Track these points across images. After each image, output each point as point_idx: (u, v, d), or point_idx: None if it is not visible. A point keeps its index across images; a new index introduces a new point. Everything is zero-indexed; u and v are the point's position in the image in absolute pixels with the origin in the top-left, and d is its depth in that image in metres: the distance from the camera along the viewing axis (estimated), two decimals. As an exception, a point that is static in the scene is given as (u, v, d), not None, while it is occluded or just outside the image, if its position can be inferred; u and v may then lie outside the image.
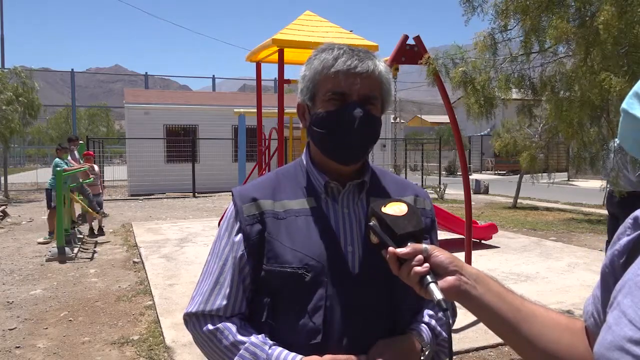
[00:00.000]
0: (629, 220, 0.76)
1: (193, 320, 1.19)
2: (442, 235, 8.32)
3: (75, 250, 8.04)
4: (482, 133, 30.26)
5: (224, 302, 1.16)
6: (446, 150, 31.06)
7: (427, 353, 1.17)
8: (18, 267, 7.24)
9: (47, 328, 4.87)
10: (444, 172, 26.29)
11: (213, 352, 1.16)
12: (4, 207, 12.69)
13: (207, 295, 1.18)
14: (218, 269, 1.19)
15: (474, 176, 22.24)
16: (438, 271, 0.88)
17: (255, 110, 7.75)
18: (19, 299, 5.78)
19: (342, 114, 1.14)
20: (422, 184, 20.37)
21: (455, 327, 4.39)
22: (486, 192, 18.03)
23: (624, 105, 0.75)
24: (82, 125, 37.40)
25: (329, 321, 1.11)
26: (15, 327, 4.89)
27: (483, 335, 4.31)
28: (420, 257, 0.89)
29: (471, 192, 6.24)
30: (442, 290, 0.86)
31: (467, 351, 4.16)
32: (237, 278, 1.17)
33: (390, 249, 0.92)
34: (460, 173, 27.30)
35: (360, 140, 1.16)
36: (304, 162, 1.26)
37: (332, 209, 1.19)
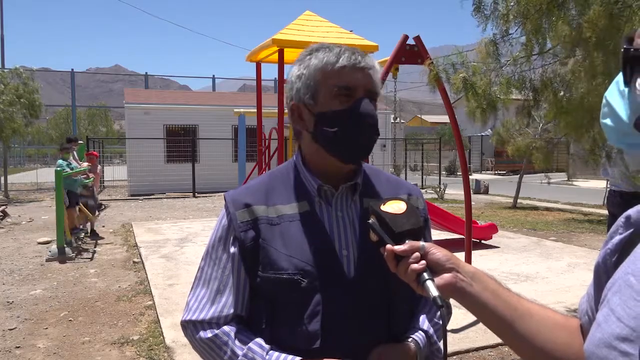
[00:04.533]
0: (621, 219, 0.77)
1: (191, 328, 1.18)
2: (443, 235, 8.33)
3: (75, 250, 8.04)
4: (482, 133, 30.27)
5: (225, 310, 1.16)
6: (446, 150, 31.06)
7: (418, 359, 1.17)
8: (18, 267, 7.24)
9: (47, 328, 4.87)
10: (444, 172, 26.29)
11: (213, 359, 1.16)
12: (4, 207, 12.69)
13: (206, 303, 1.17)
14: (216, 276, 1.18)
15: (474, 176, 22.24)
16: (435, 268, 0.89)
17: (255, 110, 7.75)
18: (19, 299, 5.78)
19: (356, 112, 1.12)
20: (422, 184, 20.37)
21: (455, 327, 4.41)
22: (486, 192, 18.03)
23: (606, 93, 0.78)
24: (82, 125, 37.42)
25: (327, 326, 1.11)
26: (15, 327, 4.89)
27: (483, 335, 4.31)
28: (417, 254, 0.90)
29: (471, 192, 6.24)
30: (439, 287, 0.86)
31: (467, 351, 4.16)
32: (236, 285, 1.16)
33: (388, 246, 0.93)
34: (460, 173, 27.29)
35: (371, 137, 1.16)
36: (296, 165, 1.24)
37: (326, 213, 1.18)
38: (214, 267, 1.19)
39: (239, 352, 1.11)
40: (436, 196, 15.84)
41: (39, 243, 8.90)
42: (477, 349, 4.19)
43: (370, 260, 1.06)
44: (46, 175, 21.51)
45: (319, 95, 1.15)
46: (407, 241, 0.93)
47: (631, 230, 0.74)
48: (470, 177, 6.67)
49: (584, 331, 0.83)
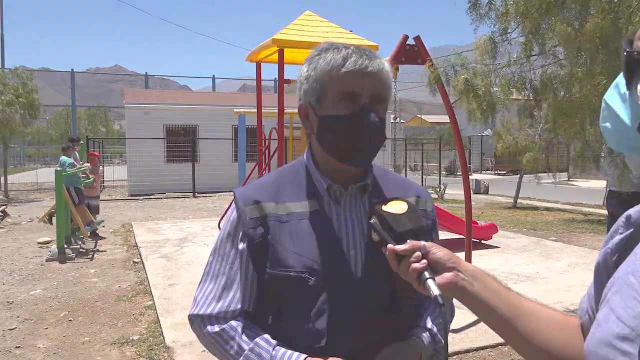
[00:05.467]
0: (621, 219, 0.77)
1: (198, 322, 1.19)
2: (442, 235, 8.32)
3: (75, 250, 8.04)
4: (482, 133, 30.28)
5: (232, 305, 1.17)
6: (446, 150, 31.06)
7: (422, 358, 1.18)
8: (18, 267, 7.24)
9: (47, 328, 4.87)
10: (444, 172, 26.29)
11: (220, 353, 1.17)
12: (4, 207, 12.68)
13: (213, 298, 1.18)
14: (224, 271, 1.19)
15: (474, 176, 22.25)
16: (436, 267, 0.90)
17: (255, 110, 7.75)
18: (19, 299, 5.78)
19: (358, 119, 1.12)
20: (422, 184, 20.37)
21: (455, 327, 4.41)
22: (486, 192, 18.03)
23: (605, 96, 0.78)
24: (82, 125, 37.40)
25: (333, 325, 1.12)
26: (15, 327, 4.89)
27: (483, 335, 4.31)
28: (418, 253, 0.90)
29: (471, 192, 6.24)
30: (440, 286, 0.87)
31: (467, 351, 4.16)
32: (243, 281, 1.17)
33: (390, 246, 0.94)
34: (460, 173, 27.17)
35: (374, 144, 1.16)
36: (306, 163, 1.24)
37: (335, 212, 1.18)
38: (222, 262, 1.20)
39: (246, 347, 1.12)
40: (436, 196, 15.84)
41: (39, 243, 8.89)
42: (477, 349, 4.19)
43: (377, 260, 1.07)
44: (46, 175, 21.49)
45: (324, 98, 1.15)
46: (408, 241, 0.94)
47: (631, 230, 0.74)
48: (470, 177, 6.67)
49: (584, 330, 0.83)
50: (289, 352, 1.10)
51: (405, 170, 21.62)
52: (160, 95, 23.72)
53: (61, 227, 7.73)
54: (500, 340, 0.94)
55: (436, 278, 0.88)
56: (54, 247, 7.88)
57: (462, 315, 4.17)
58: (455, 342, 4.22)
